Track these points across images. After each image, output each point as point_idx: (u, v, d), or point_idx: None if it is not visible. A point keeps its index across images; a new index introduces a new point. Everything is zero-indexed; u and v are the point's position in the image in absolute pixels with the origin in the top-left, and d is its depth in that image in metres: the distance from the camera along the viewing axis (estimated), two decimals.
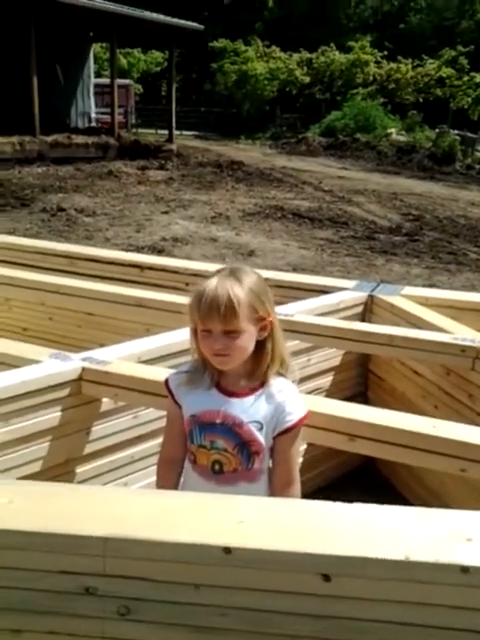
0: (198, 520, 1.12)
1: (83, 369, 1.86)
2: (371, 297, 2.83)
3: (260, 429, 1.42)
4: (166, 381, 1.53)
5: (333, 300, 2.74)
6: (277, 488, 1.45)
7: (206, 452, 1.46)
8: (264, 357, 1.42)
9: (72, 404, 1.86)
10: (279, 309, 2.58)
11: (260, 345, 1.42)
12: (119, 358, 1.97)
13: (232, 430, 1.43)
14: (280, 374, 1.46)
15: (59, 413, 1.83)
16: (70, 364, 1.87)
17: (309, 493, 2.63)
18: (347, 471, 2.78)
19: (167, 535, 1.08)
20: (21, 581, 1.11)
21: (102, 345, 3.04)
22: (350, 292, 2.86)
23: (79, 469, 1.93)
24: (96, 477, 1.97)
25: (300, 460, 2.62)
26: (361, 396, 2.88)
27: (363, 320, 2.79)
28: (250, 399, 1.43)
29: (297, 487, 1.48)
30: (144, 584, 1.11)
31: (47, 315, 3.46)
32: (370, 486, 2.74)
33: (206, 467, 1.46)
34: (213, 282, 1.38)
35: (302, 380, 2.63)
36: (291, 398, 1.44)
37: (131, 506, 1.16)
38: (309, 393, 2.60)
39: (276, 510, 1.17)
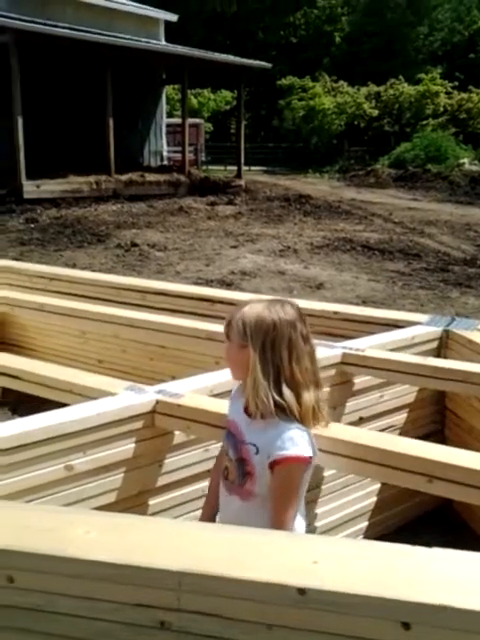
0: (273, 558, 1.11)
1: (157, 402, 1.90)
2: (446, 332, 2.76)
3: (256, 453, 1.49)
4: (233, 391, 1.68)
5: (406, 335, 2.68)
6: (270, 521, 1.49)
7: (225, 456, 1.60)
8: (248, 386, 1.50)
9: (146, 436, 1.89)
10: (350, 343, 2.57)
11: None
12: (191, 391, 1.99)
13: (237, 445, 1.55)
14: (297, 418, 1.48)
15: (133, 445, 1.87)
16: (144, 396, 1.92)
17: (385, 534, 2.57)
18: (424, 512, 2.68)
19: (241, 573, 1.07)
20: (98, 612, 1.13)
21: (173, 377, 3.11)
22: (424, 327, 2.80)
23: (152, 501, 1.95)
24: (168, 510, 1.99)
25: (373, 500, 2.59)
26: (438, 434, 2.78)
27: (438, 356, 2.72)
28: (256, 422, 1.50)
29: (283, 529, 1.45)
30: (218, 621, 1.10)
31: (121, 348, 3.56)
32: (448, 529, 2.63)
33: (223, 469, 1.61)
34: (257, 303, 1.54)
35: (374, 417, 2.59)
36: (290, 434, 1.45)
37: (207, 541, 1.16)
38: (382, 431, 2.54)
39: (352, 552, 1.13)
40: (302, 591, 1.04)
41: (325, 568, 1.08)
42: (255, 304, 1.52)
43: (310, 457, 1.47)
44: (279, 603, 1.06)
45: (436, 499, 2.48)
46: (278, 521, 1.45)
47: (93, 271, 6.90)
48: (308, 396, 1.48)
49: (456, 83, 31.49)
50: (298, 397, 1.47)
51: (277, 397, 1.46)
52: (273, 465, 1.45)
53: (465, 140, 27.32)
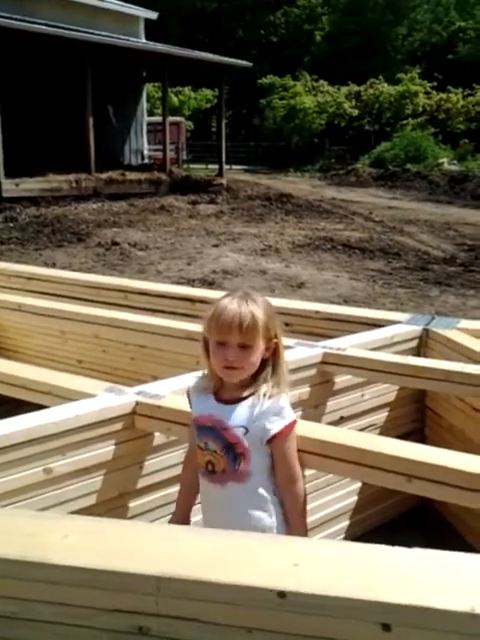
0: (252, 561, 1.10)
1: (137, 403, 1.88)
2: (426, 331, 2.77)
3: (245, 433, 1.54)
4: (188, 390, 1.71)
5: (386, 334, 2.69)
6: (282, 487, 1.58)
7: (202, 452, 1.61)
8: (262, 373, 1.56)
9: (126, 438, 1.87)
10: (331, 343, 2.57)
11: (262, 362, 1.57)
12: (172, 392, 1.98)
13: (219, 433, 1.57)
14: (274, 386, 1.58)
15: (113, 447, 1.85)
16: (124, 398, 1.90)
17: (365, 533, 2.58)
18: (405, 510, 2.69)
19: (220, 576, 1.07)
20: (76, 618, 1.11)
21: (154, 377, 3.09)
22: (404, 326, 2.81)
23: (132, 503, 1.94)
24: (149, 512, 1.97)
25: (354, 499, 2.59)
26: (417, 433, 2.79)
27: (418, 354, 2.73)
28: (238, 406, 1.56)
29: (300, 484, 1.59)
30: (197, 625, 1.09)
31: (101, 348, 3.52)
32: (428, 527, 2.65)
33: (203, 466, 1.61)
34: (233, 301, 1.53)
35: (355, 416, 2.59)
36: (280, 406, 1.55)
37: (185, 545, 1.15)
38: (362, 430, 2.54)
39: (332, 553, 1.13)
40: (282, 594, 1.03)
41: (305, 570, 1.07)
42: (246, 300, 1.53)
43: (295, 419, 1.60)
44: (259, 606, 1.05)
45: (416, 497, 2.49)
46: (297, 477, 1.57)
47: (73, 270, 6.84)
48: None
49: (435, 83, 31.81)
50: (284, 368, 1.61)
51: (286, 372, 1.59)
52: (272, 439, 1.53)
53: (444, 140, 27.60)
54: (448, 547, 1.18)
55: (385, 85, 31.46)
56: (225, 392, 1.59)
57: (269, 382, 1.56)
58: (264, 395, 1.54)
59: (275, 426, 1.53)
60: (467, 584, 1.04)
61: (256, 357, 1.54)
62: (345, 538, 2.58)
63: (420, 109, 30.52)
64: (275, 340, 1.56)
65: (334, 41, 38.94)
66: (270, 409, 1.54)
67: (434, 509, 2.70)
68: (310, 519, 2.43)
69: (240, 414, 1.55)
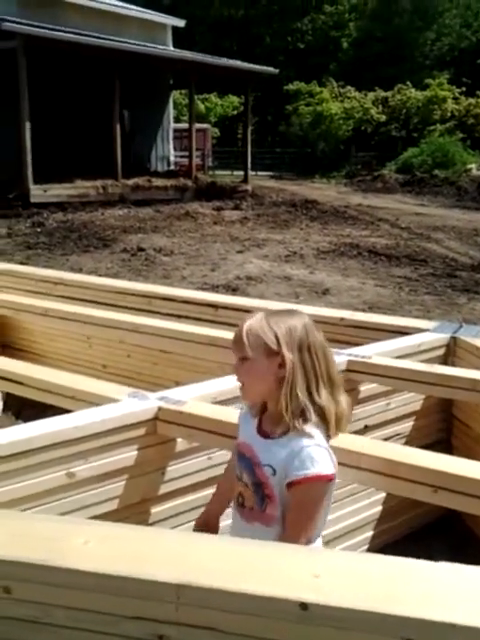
0: (274, 572, 1.09)
1: (159, 409, 1.88)
2: (454, 339, 2.73)
3: (273, 474, 1.40)
4: (240, 409, 1.62)
5: (413, 342, 2.66)
6: (283, 536, 1.41)
7: (238, 482, 1.50)
8: (281, 399, 1.38)
9: (148, 443, 1.87)
10: (356, 350, 2.54)
11: (283, 383, 1.38)
12: (194, 398, 1.97)
13: (253, 468, 1.45)
14: (317, 426, 1.39)
15: (135, 452, 1.85)
16: (147, 403, 1.90)
17: (388, 544, 2.54)
18: (430, 521, 2.65)
19: (241, 586, 1.05)
20: (96, 624, 1.11)
21: (177, 383, 3.10)
22: (431, 334, 2.77)
23: (154, 509, 1.93)
24: (170, 518, 1.96)
25: (379, 509, 2.55)
26: (444, 443, 2.75)
27: (446, 363, 2.69)
28: (273, 442, 1.42)
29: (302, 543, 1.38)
30: (216, 635, 1.07)
31: (126, 352, 3.55)
32: (455, 539, 2.60)
33: (235, 496, 1.51)
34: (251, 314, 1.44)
35: (380, 425, 2.56)
36: (308, 452, 1.35)
37: (206, 553, 1.14)
38: (387, 439, 2.51)
39: (355, 565, 1.11)
40: (304, 606, 1.02)
41: (327, 582, 1.05)
42: (270, 313, 1.42)
43: (332, 474, 1.36)
44: (280, 618, 1.04)
45: (443, 508, 2.45)
46: (295, 539, 1.36)
47: (99, 275, 6.90)
48: (344, 399, 1.42)
49: (464, 89, 31.44)
50: (337, 401, 1.40)
51: (317, 402, 1.38)
52: (290, 485, 1.36)
53: (472, 145, 27.26)
54: (475, 560, 1.16)
55: (413, 90, 31.22)
56: (266, 423, 1.46)
57: (299, 419, 1.36)
58: (291, 433, 1.37)
59: (293, 473, 1.35)
60: None
61: (253, 370, 1.39)
62: (369, 549, 2.54)
63: (448, 114, 30.20)
64: (283, 355, 1.36)
65: (361, 47, 38.81)
66: (295, 453, 1.36)
67: (461, 520, 2.65)
68: (332, 529, 2.41)
69: (272, 452, 1.40)
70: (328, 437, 1.40)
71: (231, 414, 1.88)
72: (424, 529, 2.65)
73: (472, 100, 30.58)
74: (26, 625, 1.13)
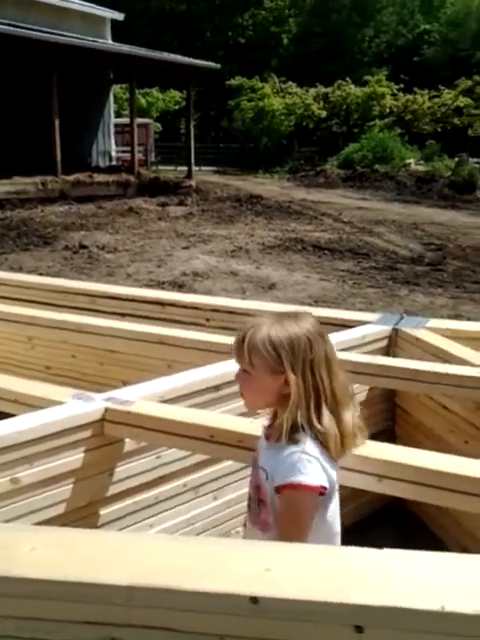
0: (224, 568, 1.09)
1: (106, 410, 1.86)
2: (395, 330, 2.80)
3: (266, 478, 1.37)
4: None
5: (357, 334, 2.71)
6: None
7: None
8: (281, 414, 1.35)
9: (95, 445, 1.84)
10: None
11: (287, 398, 1.33)
12: (141, 397, 1.96)
13: (254, 469, 1.44)
14: (314, 437, 1.35)
15: (82, 454, 1.82)
16: (93, 405, 1.87)
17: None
18: (377, 509, 2.71)
19: (192, 584, 1.05)
20: (46, 632, 1.09)
21: (124, 382, 3.06)
22: (374, 326, 2.83)
23: (102, 511, 1.91)
24: (119, 519, 1.94)
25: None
26: (388, 432, 2.82)
27: (388, 354, 2.75)
28: (270, 446, 1.39)
29: None
30: (170, 634, 1.07)
31: (70, 353, 3.48)
32: (401, 525, 2.67)
33: (248, 497, 1.49)
34: (255, 318, 1.39)
35: None
36: (294, 459, 1.31)
37: (156, 553, 1.13)
38: None
39: (304, 557, 1.13)
40: (255, 600, 1.03)
41: (278, 575, 1.07)
42: (272, 321, 1.34)
43: (319, 486, 1.30)
44: (232, 613, 1.04)
45: (389, 496, 2.51)
46: None
47: (40, 274, 6.74)
48: (349, 416, 1.37)
49: (401, 85, 32.22)
50: (339, 420, 1.35)
51: (316, 422, 1.32)
52: (277, 491, 1.33)
53: (410, 141, 27.98)
54: (421, 545, 1.19)
55: (352, 87, 31.77)
56: (272, 427, 1.41)
57: (297, 433, 1.32)
58: (293, 444, 1.32)
59: (279, 479, 1.32)
60: (437, 583, 1.04)
61: (253, 385, 1.35)
62: None
63: (387, 110, 30.91)
64: (286, 375, 1.30)
65: (301, 43, 39.17)
66: (284, 458, 1.32)
67: (406, 508, 2.73)
68: None
69: (268, 456, 1.38)
70: (330, 456, 1.35)
71: (179, 413, 1.88)
72: (370, 517, 2.72)
73: (410, 96, 31.38)
74: None
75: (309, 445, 1.32)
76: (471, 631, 0.98)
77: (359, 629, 1.01)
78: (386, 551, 1.12)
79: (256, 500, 1.41)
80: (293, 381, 1.31)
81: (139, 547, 1.16)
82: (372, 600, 1.00)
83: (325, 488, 1.33)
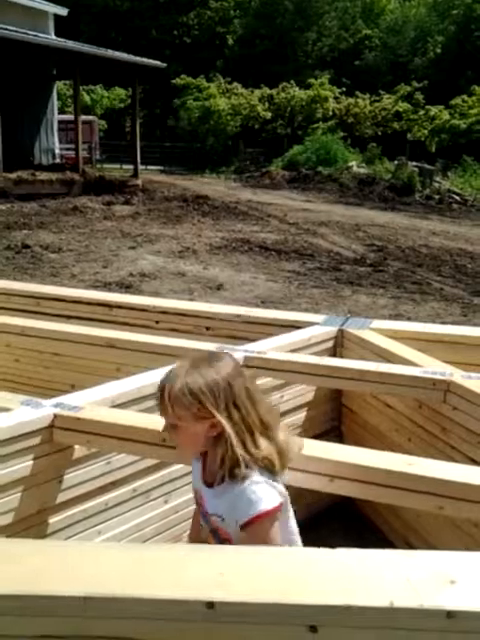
0: (178, 574, 1.10)
1: (55, 416, 1.82)
2: (341, 331, 2.86)
3: (222, 521, 1.41)
4: None
5: (304, 336, 2.76)
6: None
7: (199, 521, 1.53)
8: (218, 455, 1.38)
9: (44, 452, 1.81)
10: (251, 346, 2.60)
11: (219, 439, 1.37)
12: (91, 403, 1.93)
13: (205, 516, 1.47)
14: (256, 467, 1.38)
15: (31, 462, 1.79)
16: (41, 411, 1.83)
17: None
18: (325, 507, 2.76)
19: (147, 591, 1.05)
20: None
21: (71, 386, 3.01)
22: (320, 327, 2.89)
23: (52, 519, 1.88)
24: (69, 526, 1.91)
25: None
26: (334, 431, 2.88)
27: (334, 354, 2.81)
28: (215, 491, 1.42)
29: None
30: None
31: (13, 357, 3.39)
32: (349, 523, 2.73)
33: (204, 538, 1.51)
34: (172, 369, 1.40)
35: None
36: (248, 493, 1.35)
37: (108, 561, 1.12)
38: None
39: (257, 560, 1.14)
40: (210, 605, 1.04)
41: (231, 579, 1.08)
42: (188, 370, 1.37)
43: (277, 505, 1.36)
44: (188, 619, 1.05)
45: (335, 495, 2.57)
46: None
47: None
48: (281, 434, 1.42)
49: (344, 89, 32.85)
50: (274, 440, 1.40)
51: (254, 451, 1.36)
52: (242, 528, 1.36)
53: (353, 144, 28.55)
54: (368, 542, 1.23)
55: (296, 89, 32.17)
56: (208, 470, 1.45)
57: (236, 469, 1.36)
58: (238, 481, 1.36)
59: (241, 517, 1.35)
60: (386, 580, 1.08)
61: (182, 436, 1.39)
62: None
63: (330, 113, 31.44)
64: (214, 420, 1.34)
65: (246, 44, 39.36)
66: (236, 497, 1.36)
67: (354, 506, 2.79)
68: None
69: (215, 501, 1.42)
70: (274, 475, 1.40)
71: (130, 417, 1.87)
72: (319, 516, 2.77)
73: (351, 100, 32.03)
74: None
75: (250, 473, 1.36)
76: (418, 625, 1.02)
77: (313, 629, 1.04)
78: (338, 550, 1.15)
79: (219, 540, 1.44)
80: (218, 421, 1.35)
81: (91, 556, 1.15)
82: (325, 600, 1.03)
83: (281, 503, 1.38)
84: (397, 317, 6.04)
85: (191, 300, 6.02)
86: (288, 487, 2.59)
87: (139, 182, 17.35)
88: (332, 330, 2.87)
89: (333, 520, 2.76)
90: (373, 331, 2.82)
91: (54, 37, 17.85)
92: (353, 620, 1.03)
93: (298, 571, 1.10)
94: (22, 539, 1.47)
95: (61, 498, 1.89)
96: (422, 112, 30.81)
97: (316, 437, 2.59)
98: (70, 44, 16.90)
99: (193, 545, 1.31)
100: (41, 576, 1.08)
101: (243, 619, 1.05)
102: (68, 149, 19.58)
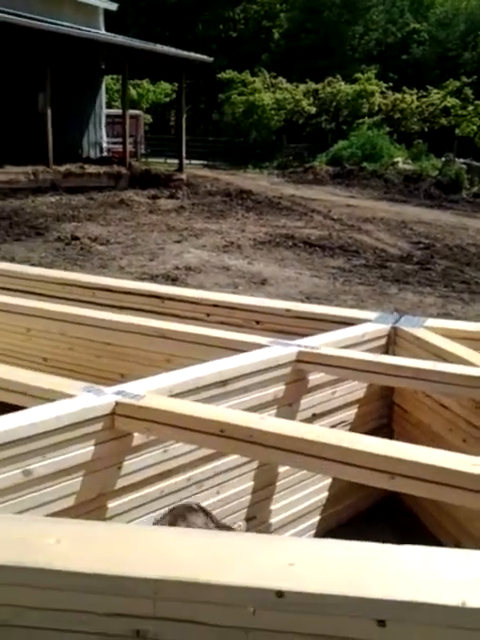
0: (248, 562, 1.11)
1: (117, 403, 1.86)
2: (394, 329, 2.83)
3: None
4: None
5: (357, 332, 2.74)
6: None
7: None
8: None
9: (105, 438, 1.85)
10: (305, 341, 2.59)
11: None
12: (151, 392, 1.97)
13: None
14: None
15: (92, 448, 1.83)
16: (104, 398, 1.88)
17: (335, 528, 2.62)
18: (372, 505, 2.75)
19: (217, 577, 1.07)
20: (71, 623, 1.10)
21: (121, 375, 3.07)
22: (373, 324, 2.86)
23: (110, 504, 1.92)
24: (127, 512, 1.95)
25: (325, 494, 2.64)
26: (385, 429, 2.86)
27: (387, 352, 2.79)
28: None
29: None
30: (194, 627, 1.09)
31: (67, 345, 3.46)
32: (396, 521, 2.71)
33: None
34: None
35: (327, 413, 2.63)
36: None
37: (180, 547, 1.15)
38: (333, 426, 2.59)
39: (326, 553, 1.15)
40: (280, 594, 1.05)
41: (302, 570, 1.09)
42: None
43: None
44: (257, 607, 1.06)
45: (383, 491, 2.55)
46: None
47: (32, 265, 6.69)
48: None
49: (390, 84, 32.31)
50: None
51: None
52: None
53: (399, 139, 28.10)
54: (416, 540, 1.22)
55: (342, 84, 31.79)
56: None
57: None
58: None
59: None
60: (457, 579, 1.08)
61: None
62: (316, 534, 2.62)
63: (376, 108, 30.98)
64: None
65: (292, 39, 39.06)
66: None
67: (402, 503, 2.77)
68: (283, 515, 2.48)
69: None
70: None
71: (189, 407, 1.90)
72: (364, 514, 2.76)
73: (398, 95, 31.48)
74: None
75: None
76: None
77: (381, 623, 1.04)
78: (405, 547, 1.15)
79: None
80: None
81: (164, 540, 1.18)
82: (395, 595, 1.03)
83: None
84: (445, 316, 5.93)
85: (235, 294, 6.04)
86: (335, 484, 2.59)
87: (183, 176, 17.47)
88: (385, 328, 2.85)
89: (379, 519, 2.75)
90: (427, 330, 2.78)
91: (104, 31, 18.09)
92: (423, 617, 1.03)
93: (367, 565, 1.11)
94: (93, 521, 1.51)
95: (120, 484, 1.93)
96: (471, 108, 30.07)
97: (366, 434, 2.58)
98: (120, 39, 17.10)
99: (263, 535, 1.32)
100: (115, 557, 1.11)
101: (311, 609, 1.06)
102: (115, 143, 19.85)
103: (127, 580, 1.08)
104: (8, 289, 3.73)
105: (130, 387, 1.98)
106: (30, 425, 1.68)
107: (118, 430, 1.88)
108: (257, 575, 1.07)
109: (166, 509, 1.64)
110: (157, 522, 1.35)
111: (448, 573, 1.09)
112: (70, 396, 1.88)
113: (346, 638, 1.06)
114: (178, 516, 1.36)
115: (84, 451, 1.81)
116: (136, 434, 1.92)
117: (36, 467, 1.70)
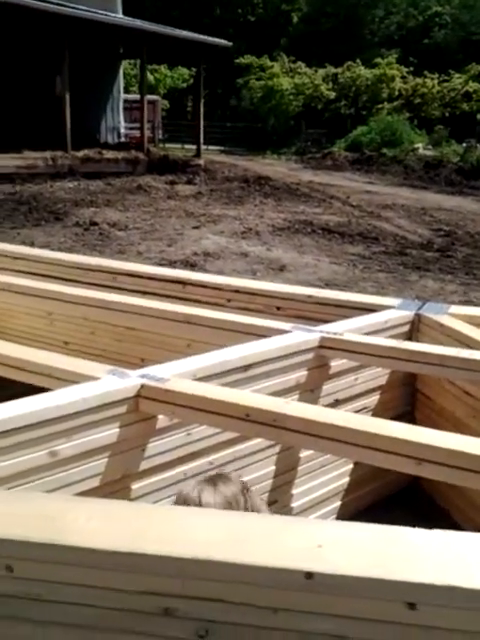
0: (277, 543, 1.12)
1: (142, 386, 1.87)
2: (418, 316, 2.81)
3: None
4: None
5: (380, 319, 2.72)
6: None
7: None
8: None
9: (130, 420, 1.87)
10: (327, 327, 2.58)
11: None
12: (175, 375, 1.97)
13: None
14: None
15: (117, 429, 1.85)
16: (128, 381, 1.89)
17: (356, 513, 2.63)
18: (392, 491, 2.75)
19: (247, 558, 1.08)
20: (102, 600, 1.11)
21: (142, 360, 3.08)
22: (396, 311, 2.84)
23: (134, 485, 1.94)
24: (150, 494, 1.97)
25: (346, 480, 2.64)
26: (407, 415, 2.85)
27: (410, 339, 2.77)
28: None
29: None
30: (222, 606, 1.10)
31: (89, 329, 3.48)
32: (417, 506, 2.71)
33: None
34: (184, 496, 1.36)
35: (349, 399, 2.63)
36: None
37: (210, 527, 1.15)
38: (357, 412, 2.58)
39: (354, 535, 1.15)
40: (310, 575, 1.05)
41: (330, 551, 1.09)
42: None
43: None
44: (286, 588, 1.07)
45: (404, 477, 2.55)
46: None
47: (52, 250, 6.72)
48: None
49: (411, 68, 31.81)
50: None
51: None
52: None
53: (419, 125, 27.73)
54: (436, 525, 1.21)
55: (362, 68, 31.37)
56: None
57: None
58: None
59: None
60: None
61: None
62: (338, 517, 2.63)
63: (396, 93, 30.56)
64: None
65: (311, 22, 38.58)
66: None
67: (422, 489, 2.76)
68: (307, 498, 2.49)
69: None
70: None
71: (213, 391, 1.90)
72: (385, 500, 2.75)
73: (419, 80, 31.00)
74: (29, 603, 1.13)
75: None
76: None
77: (412, 606, 1.04)
78: (435, 531, 1.15)
79: None
80: None
81: (192, 520, 1.18)
82: (426, 578, 1.03)
83: None
84: (467, 303, 5.87)
85: (254, 280, 6.03)
86: (356, 469, 2.59)
87: (201, 162, 17.41)
88: (408, 314, 2.82)
89: (399, 505, 2.75)
90: (451, 316, 2.76)
91: (121, 15, 18.00)
92: (455, 601, 1.02)
93: (397, 548, 1.10)
94: (122, 501, 1.52)
95: (143, 466, 1.95)
96: None
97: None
98: (138, 23, 17.01)
99: (288, 517, 1.33)
100: (145, 536, 1.12)
101: (340, 591, 1.06)
102: (132, 128, 19.81)
103: (157, 559, 1.08)
104: (29, 273, 3.75)
105: (155, 370, 1.99)
106: (56, 407, 1.69)
107: (142, 413, 1.89)
108: (285, 556, 1.08)
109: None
110: (182, 491, 1.37)
111: (477, 557, 1.09)
112: (95, 379, 1.89)
113: (376, 620, 1.06)
114: (207, 482, 1.38)
115: (109, 433, 1.82)
116: (160, 417, 1.93)
117: (62, 448, 1.71)
